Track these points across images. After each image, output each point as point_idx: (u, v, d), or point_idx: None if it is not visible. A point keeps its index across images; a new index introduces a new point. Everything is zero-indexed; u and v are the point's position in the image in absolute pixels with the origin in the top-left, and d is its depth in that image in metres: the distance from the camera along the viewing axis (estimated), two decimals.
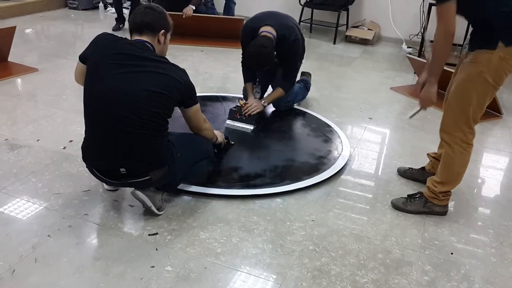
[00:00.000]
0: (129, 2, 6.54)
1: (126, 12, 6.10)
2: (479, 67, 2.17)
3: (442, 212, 2.48)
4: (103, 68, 2.05)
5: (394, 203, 2.53)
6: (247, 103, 3.31)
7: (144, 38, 2.14)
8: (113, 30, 5.64)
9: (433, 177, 2.47)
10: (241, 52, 3.38)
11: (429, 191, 2.46)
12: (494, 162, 3.10)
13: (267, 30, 3.10)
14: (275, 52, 3.08)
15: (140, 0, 5.75)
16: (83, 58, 2.16)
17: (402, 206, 2.50)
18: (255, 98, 3.42)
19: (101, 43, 2.12)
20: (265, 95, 3.52)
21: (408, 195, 2.54)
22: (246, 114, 3.23)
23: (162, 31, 2.19)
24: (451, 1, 2.08)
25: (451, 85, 2.38)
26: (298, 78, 3.80)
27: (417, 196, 2.51)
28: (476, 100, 2.22)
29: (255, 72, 3.41)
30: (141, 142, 2.07)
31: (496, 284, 2.03)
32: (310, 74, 4.03)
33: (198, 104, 2.27)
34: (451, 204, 2.56)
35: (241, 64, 3.46)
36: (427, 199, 2.47)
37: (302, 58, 3.61)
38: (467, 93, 2.23)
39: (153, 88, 2.03)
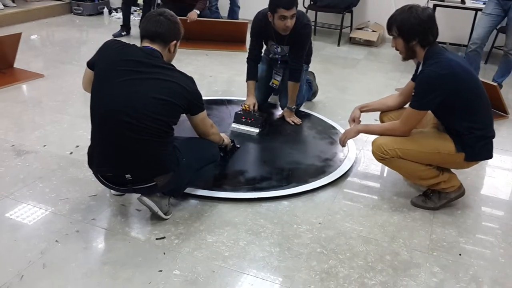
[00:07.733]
0: (135, 8, 6.58)
1: (132, 18, 6.10)
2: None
3: (459, 195, 2.51)
4: (111, 74, 2.06)
5: (414, 202, 2.54)
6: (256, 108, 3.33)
7: (155, 46, 2.14)
8: (114, 36, 5.49)
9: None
10: (247, 50, 3.40)
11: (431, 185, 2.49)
12: (500, 163, 3.09)
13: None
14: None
15: (151, 6, 5.70)
16: (91, 64, 2.16)
17: (422, 204, 2.52)
18: (276, 81, 3.50)
19: (110, 49, 2.12)
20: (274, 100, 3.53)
21: (423, 193, 2.56)
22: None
23: (174, 41, 2.19)
24: (425, 111, 2.28)
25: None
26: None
27: (429, 192, 2.53)
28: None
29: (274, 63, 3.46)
30: (146, 148, 2.07)
31: (505, 285, 2.02)
32: (313, 74, 3.99)
33: (205, 111, 2.27)
34: (458, 206, 2.55)
35: (246, 60, 3.44)
36: (437, 190, 2.49)
37: (309, 62, 3.61)
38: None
39: (159, 95, 2.03)
